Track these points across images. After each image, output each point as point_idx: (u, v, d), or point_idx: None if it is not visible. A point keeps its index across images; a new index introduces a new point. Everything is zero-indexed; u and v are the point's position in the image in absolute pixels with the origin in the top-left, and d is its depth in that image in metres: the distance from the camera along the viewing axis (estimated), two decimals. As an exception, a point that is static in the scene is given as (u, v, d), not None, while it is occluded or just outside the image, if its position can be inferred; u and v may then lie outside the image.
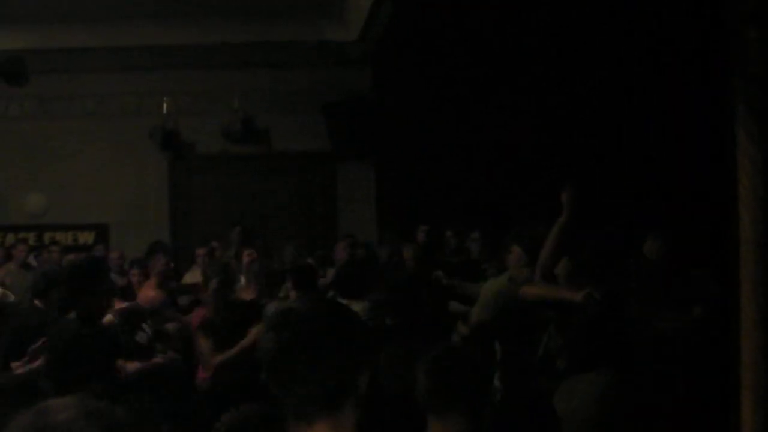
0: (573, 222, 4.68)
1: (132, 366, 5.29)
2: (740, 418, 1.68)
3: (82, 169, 11.49)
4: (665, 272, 4.64)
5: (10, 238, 11.19)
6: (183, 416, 4.67)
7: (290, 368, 1.80)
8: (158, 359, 5.61)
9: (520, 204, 6.83)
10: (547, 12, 6.29)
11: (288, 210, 11.81)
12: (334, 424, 1.78)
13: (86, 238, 11.65)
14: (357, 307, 5.15)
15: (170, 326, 6.75)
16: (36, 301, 5.65)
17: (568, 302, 4.33)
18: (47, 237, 11.42)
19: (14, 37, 10.58)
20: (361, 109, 11.03)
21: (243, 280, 7.24)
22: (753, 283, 1.74)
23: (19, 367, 4.83)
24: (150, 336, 5.74)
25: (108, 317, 5.46)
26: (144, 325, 5.76)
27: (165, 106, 11.36)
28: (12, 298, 7.69)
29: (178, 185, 11.96)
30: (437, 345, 3.15)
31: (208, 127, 11.49)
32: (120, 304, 6.25)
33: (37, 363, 4.64)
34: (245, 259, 7.35)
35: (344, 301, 5.09)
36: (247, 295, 6.77)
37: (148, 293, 7.33)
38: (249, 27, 11.01)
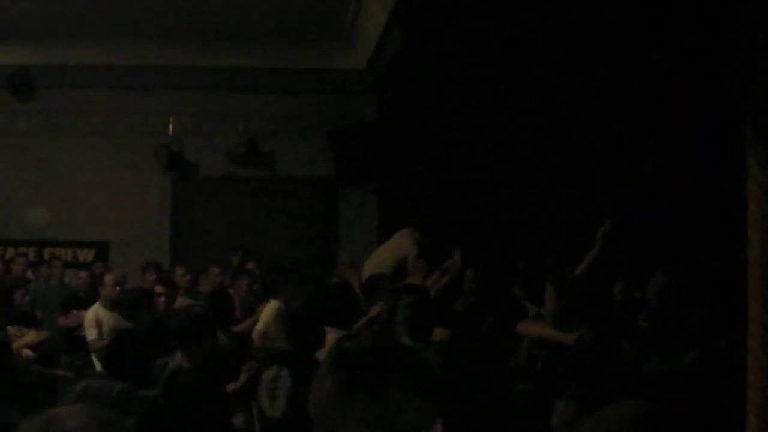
0: (604, 258, 4.74)
1: None
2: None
3: (86, 185, 11.51)
4: (663, 314, 4.61)
5: (10, 252, 11.18)
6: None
7: (349, 411, 1.64)
8: None
9: (526, 231, 6.82)
10: (557, 44, 6.33)
11: (290, 233, 11.82)
12: None
13: (86, 255, 11.64)
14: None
15: None
16: None
17: (561, 344, 4.34)
18: (47, 252, 11.42)
19: (23, 53, 10.66)
20: (364, 135, 11.08)
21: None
22: (762, 307, 1.74)
23: None
24: None
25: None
26: None
27: (171, 126, 11.41)
28: None
29: (181, 206, 11.98)
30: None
31: (213, 148, 11.54)
32: None
33: None
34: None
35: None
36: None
37: None
38: (258, 52, 11.11)
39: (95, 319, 7.07)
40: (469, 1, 7.29)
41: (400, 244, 7.66)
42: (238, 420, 5.06)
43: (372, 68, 10.91)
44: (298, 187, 11.97)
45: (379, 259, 7.52)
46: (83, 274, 10.07)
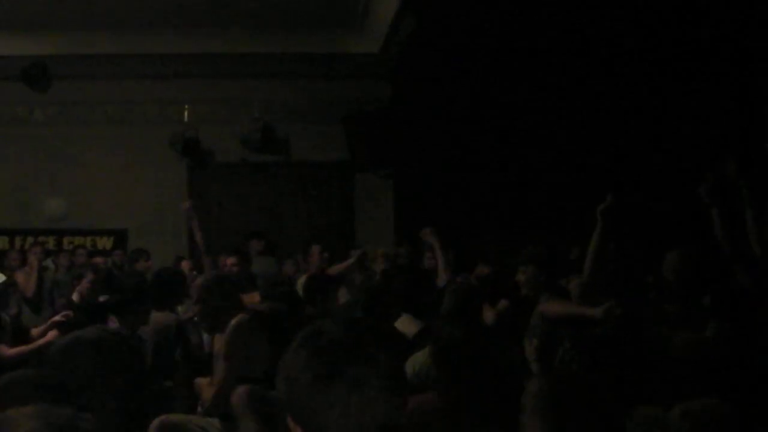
0: (610, 235, 4.67)
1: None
2: None
3: (103, 174, 11.56)
4: (680, 292, 4.60)
5: (29, 241, 11.26)
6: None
7: (330, 401, 1.64)
8: None
9: (540, 217, 6.82)
10: (573, 31, 6.29)
11: (306, 219, 11.84)
12: None
13: (105, 243, 11.71)
14: None
15: None
16: None
17: (588, 319, 4.31)
18: (66, 242, 11.49)
19: (38, 43, 10.69)
20: (380, 120, 11.07)
21: None
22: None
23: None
24: None
25: None
26: None
27: (186, 114, 11.43)
28: None
29: (197, 192, 12.01)
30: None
31: (228, 135, 11.54)
32: None
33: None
34: None
35: None
36: None
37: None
38: (271, 38, 11.08)
39: None
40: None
41: None
42: None
43: (386, 52, 10.87)
44: (314, 173, 11.97)
45: None
46: (99, 260, 10.11)
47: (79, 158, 11.58)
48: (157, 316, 6.11)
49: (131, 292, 5.81)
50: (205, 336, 6.38)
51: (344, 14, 10.70)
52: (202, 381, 5.01)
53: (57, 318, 5.74)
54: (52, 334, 5.77)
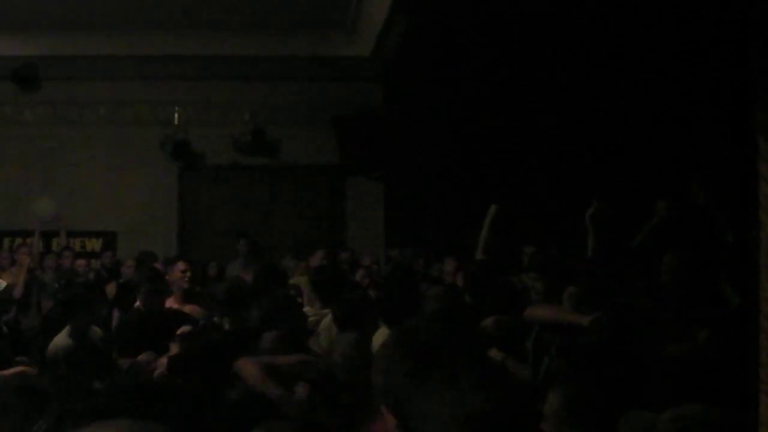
0: (603, 239, 4.68)
1: None
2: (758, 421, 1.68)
3: (93, 176, 11.52)
4: (676, 296, 4.60)
5: (18, 242, 11.20)
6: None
7: (426, 394, 1.68)
8: None
9: (532, 223, 6.82)
10: (565, 33, 6.30)
11: (296, 222, 11.83)
12: None
13: (94, 245, 11.66)
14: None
15: None
16: None
17: (575, 326, 4.28)
18: (55, 243, 11.43)
19: (28, 44, 10.65)
20: (371, 123, 11.07)
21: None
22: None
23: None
24: None
25: None
26: None
27: (176, 115, 11.40)
28: None
29: (187, 195, 11.99)
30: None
31: (219, 138, 11.52)
32: None
33: None
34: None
35: None
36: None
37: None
38: (263, 40, 11.08)
39: None
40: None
41: None
42: None
43: (377, 55, 10.89)
44: (305, 175, 11.97)
45: None
46: (81, 262, 10.05)
47: (68, 159, 11.54)
48: None
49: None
50: None
51: (335, 17, 10.70)
52: None
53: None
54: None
